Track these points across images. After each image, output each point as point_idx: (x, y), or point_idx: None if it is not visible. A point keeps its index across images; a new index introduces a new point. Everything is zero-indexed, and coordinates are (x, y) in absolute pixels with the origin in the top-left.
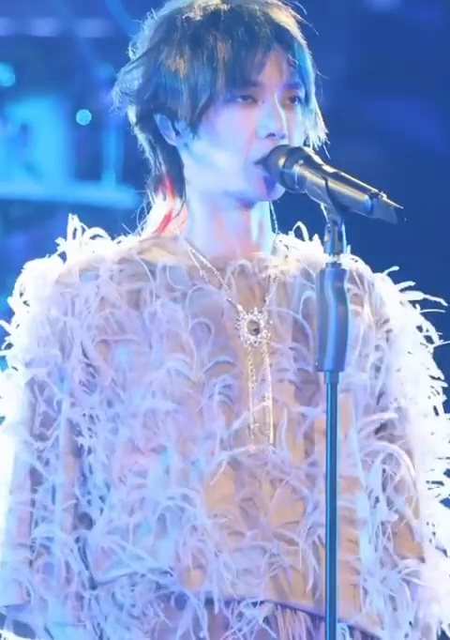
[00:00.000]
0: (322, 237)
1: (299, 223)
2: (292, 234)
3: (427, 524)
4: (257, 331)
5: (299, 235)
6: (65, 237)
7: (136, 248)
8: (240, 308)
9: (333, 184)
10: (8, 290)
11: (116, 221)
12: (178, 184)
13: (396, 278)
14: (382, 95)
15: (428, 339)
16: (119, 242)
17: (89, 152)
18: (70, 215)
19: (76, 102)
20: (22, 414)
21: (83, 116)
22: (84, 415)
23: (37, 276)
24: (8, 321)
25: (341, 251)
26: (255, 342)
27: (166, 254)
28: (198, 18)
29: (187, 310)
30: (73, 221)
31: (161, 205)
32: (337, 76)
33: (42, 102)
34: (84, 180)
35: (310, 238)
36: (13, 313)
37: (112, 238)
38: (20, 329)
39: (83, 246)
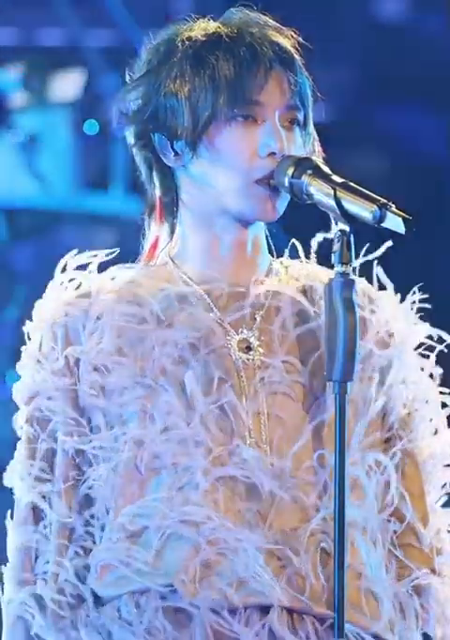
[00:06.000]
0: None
1: (294, 240)
2: (300, 250)
3: (441, 535)
4: (249, 349)
5: (294, 252)
6: (71, 248)
7: (127, 277)
8: (229, 327)
9: (341, 194)
10: (16, 299)
11: (124, 231)
12: (170, 208)
13: (401, 288)
14: (390, 106)
15: (438, 351)
16: (113, 277)
17: (97, 162)
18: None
19: (83, 112)
20: (23, 451)
21: (91, 126)
22: (83, 442)
23: (34, 312)
24: (16, 330)
25: (350, 261)
26: (248, 359)
27: (156, 281)
28: (199, 39)
29: (177, 332)
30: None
31: (153, 230)
32: (346, 88)
33: (50, 112)
34: (92, 190)
35: (307, 256)
36: (21, 322)
37: (120, 248)
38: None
39: (77, 276)
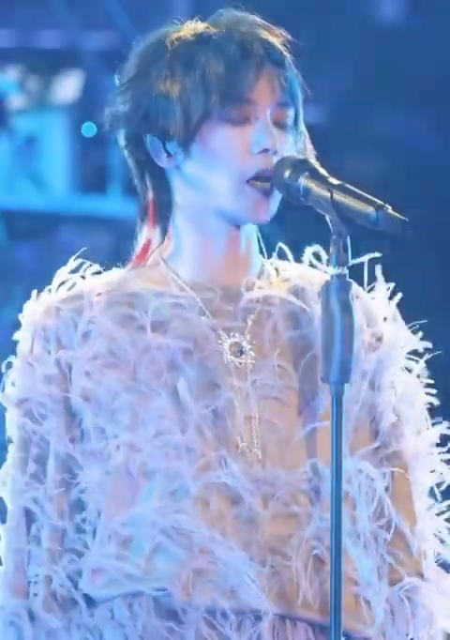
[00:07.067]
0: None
1: (280, 244)
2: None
3: (426, 538)
4: (241, 353)
5: (283, 255)
6: (70, 250)
7: (119, 279)
8: (221, 331)
9: (338, 196)
10: (13, 301)
11: (121, 233)
12: (163, 210)
13: (397, 289)
14: (387, 108)
15: (426, 351)
16: (104, 279)
17: (94, 164)
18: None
19: (81, 114)
20: (14, 455)
21: (89, 128)
22: (75, 446)
23: (23, 314)
24: (14, 332)
25: (346, 263)
26: (240, 363)
27: (148, 283)
28: (188, 39)
29: (169, 337)
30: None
31: (145, 233)
32: (343, 89)
33: (48, 114)
34: (89, 192)
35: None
36: (19, 325)
37: (118, 250)
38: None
39: (69, 279)
